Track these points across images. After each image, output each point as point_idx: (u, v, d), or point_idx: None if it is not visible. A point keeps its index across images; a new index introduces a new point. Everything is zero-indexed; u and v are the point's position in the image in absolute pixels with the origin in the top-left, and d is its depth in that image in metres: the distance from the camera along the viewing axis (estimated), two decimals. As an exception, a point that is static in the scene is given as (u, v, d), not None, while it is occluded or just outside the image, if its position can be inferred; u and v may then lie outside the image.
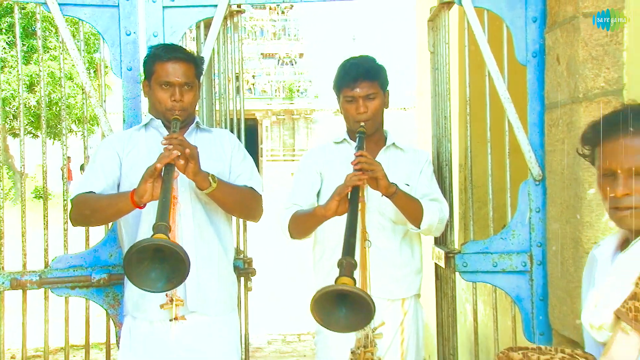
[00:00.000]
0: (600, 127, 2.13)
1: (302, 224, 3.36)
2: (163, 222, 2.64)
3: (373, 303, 2.54)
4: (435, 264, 4.09)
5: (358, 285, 3.18)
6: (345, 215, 2.92)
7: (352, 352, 3.32)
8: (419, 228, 3.31)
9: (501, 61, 3.76)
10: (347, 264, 2.60)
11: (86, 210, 3.16)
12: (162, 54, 3.26)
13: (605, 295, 2.03)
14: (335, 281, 2.54)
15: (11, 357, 6.39)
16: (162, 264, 2.63)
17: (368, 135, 3.40)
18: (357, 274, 3.11)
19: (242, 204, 3.30)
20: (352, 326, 2.68)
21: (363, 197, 3.16)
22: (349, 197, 2.98)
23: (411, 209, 3.28)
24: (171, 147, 2.92)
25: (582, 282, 2.44)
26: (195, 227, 3.22)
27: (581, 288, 2.42)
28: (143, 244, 2.61)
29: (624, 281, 2.01)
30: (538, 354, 2.00)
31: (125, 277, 3.16)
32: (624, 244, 2.17)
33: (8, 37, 20.18)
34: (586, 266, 2.37)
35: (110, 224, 3.60)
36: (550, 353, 1.99)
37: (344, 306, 2.56)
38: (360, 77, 3.36)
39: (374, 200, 3.28)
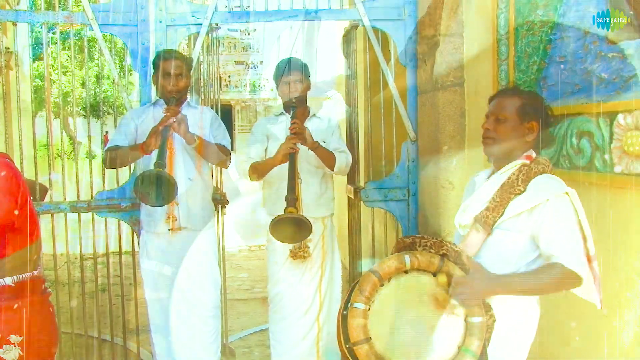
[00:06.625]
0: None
1: (259, 170, 3.31)
2: (161, 161, 2.77)
3: (310, 223, 2.62)
4: (348, 196, 4.10)
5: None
6: (286, 164, 3.04)
7: (290, 251, 3.35)
8: (333, 170, 3.33)
9: (390, 63, 3.74)
10: (291, 199, 2.73)
11: (112, 156, 3.19)
12: (164, 54, 3.26)
13: (471, 206, 2.15)
14: (284, 210, 2.63)
15: (75, 258, 6.27)
16: (160, 188, 2.73)
17: (297, 108, 3.37)
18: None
19: (216, 155, 3.29)
20: (297, 238, 2.84)
21: (297, 153, 3.16)
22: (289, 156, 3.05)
23: (328, 158, 3.29)
24: (168, 114, 2.99)
25: (464, 198, 2.44)
26: (185, 170, 3.22)
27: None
28: (147, 173, 2.76)
29: (483, 199, 2.13)
30: (421, 238, 2.07)
31: (141, 203, 3.23)
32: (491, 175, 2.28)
33: (68, 52, 20.13)
34: (466, 187, 2.43)
35: (132, 169, 3.54)
36: (428, 238, 2.07)
37: (290, 226, 2.66)
38: (292, 68, 3.37)
39: (302, 153, 3.25)
